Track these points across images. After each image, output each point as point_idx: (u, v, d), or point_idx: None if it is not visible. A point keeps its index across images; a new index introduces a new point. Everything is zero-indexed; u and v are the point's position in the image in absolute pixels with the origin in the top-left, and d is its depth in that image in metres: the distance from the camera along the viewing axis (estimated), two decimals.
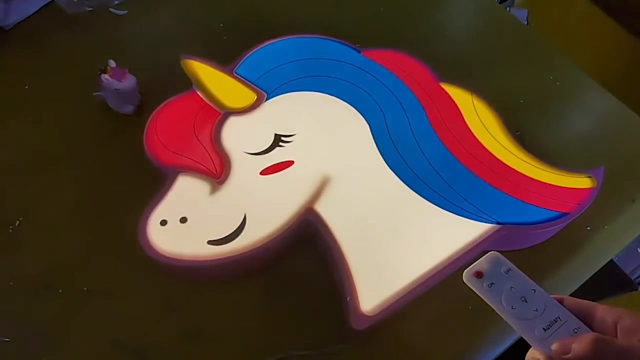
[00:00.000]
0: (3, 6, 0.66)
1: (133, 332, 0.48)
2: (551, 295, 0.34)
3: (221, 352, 0.48)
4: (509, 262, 0.36)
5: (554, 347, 0.32)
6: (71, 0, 0.69)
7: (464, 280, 0.35)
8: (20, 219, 0.53)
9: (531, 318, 0.33)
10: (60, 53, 0.66)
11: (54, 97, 0.61)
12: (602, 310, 0.33)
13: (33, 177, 0.56)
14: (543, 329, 0.32)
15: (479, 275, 0.35)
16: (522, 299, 0.34)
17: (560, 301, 0.34)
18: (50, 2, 0.69)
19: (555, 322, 0.33)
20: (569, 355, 0.31)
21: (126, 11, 0.69)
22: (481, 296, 0.34)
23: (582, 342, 0.31)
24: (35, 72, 0.64)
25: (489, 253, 0.36)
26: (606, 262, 0.56)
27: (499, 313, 0.34)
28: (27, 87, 0.62)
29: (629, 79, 0.90)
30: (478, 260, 0.36)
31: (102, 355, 0.47)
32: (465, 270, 0.35)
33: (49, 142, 0.58)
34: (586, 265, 0.55)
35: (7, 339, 0.47)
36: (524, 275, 0.35)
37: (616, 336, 0.31)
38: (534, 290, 0.34)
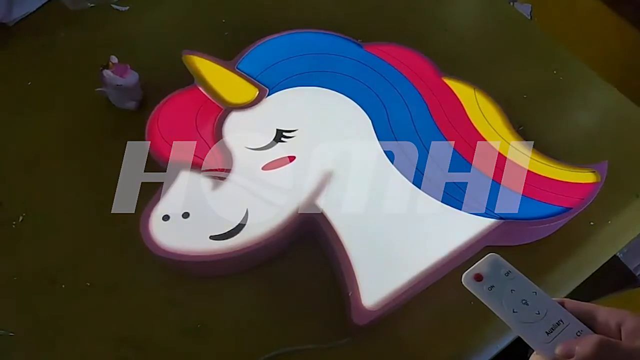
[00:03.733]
0: (6, 3, 0.66)
1: (135, 326, 0.48)
2: (552, 299, 0.34)
3: (223, 347, 0.48)
4: (508, 264, 0.35)
5: (557, 350, 0.31)
6: None
7: (463, 283, 0.34)
8: (24, 214, 0.53)
9: (533, 321, 0.32)
10: (63, 49, 0.66)
11: (56, 93, 0.62)
12: (604, 313, 0.32)
13: (36, 173, 0.56)
14: (546, 332, 0.32)
15: (478, 278, 0.34)
16: (523, 301, 0.33)
17: (561, 304, 0.33)
18: None
19: (558, 325, 0.32)
20: (573, 358, 0.30)
21: (128, 7, 0.69)
22: (481, 299, 0.34)
23: (586, 345, 0.30)
24: (38, 69, 0.64)
25: (488, 255, 0.36)
26: (610, 257, 0.56)
27: (500, 316, 0.33)
28: (29, 83, 0.62)
29: (633, 74, 0.89)
30: (477, 263, 0.35)
31: (105, 349, 0.48)
32: (465, 273, 0.35)
33: (52, 138, 0.58)
34: (589, 261, 0.55)
35: (11, 333, 0.47)
36: (524, 277, 0.34)
37: (620, 339, 0.31)
38: (535, 292, 0.34)
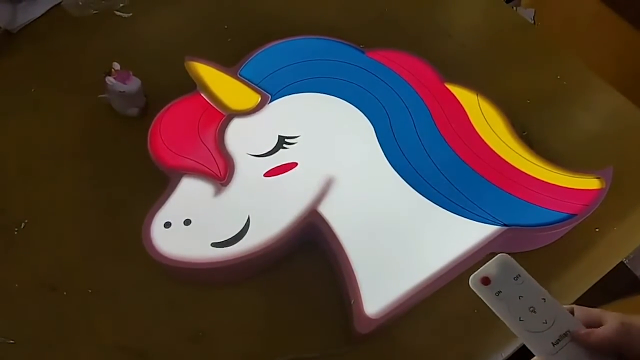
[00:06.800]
0: (9, 9, 0.67)
1: (137, 334, 0.48)
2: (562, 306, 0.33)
3: (225, 355, 0.48)
4: (519, 266, 0.34)
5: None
6: (77, 3, 0.69)
7: (470, 286, 0.33)
8: (26, 221, 0.53)
9: (540, 331, 0.32)
10: (66, 56, 0.66)
11: (59, 100, 0.62)
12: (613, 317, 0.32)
13: (39, 180, 0.56)
14: (552, 343, 0.31)
15: (486, 281, 0.33)
16: (531, 309, 0.32)
17: (570, 311, 0.33)
18: (56, 5, 0.69)
19: (565, 336, 0.31)
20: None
21: (131, 13, 0.70)
22: (487, 304, 0.33)
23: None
24: (41, 75, 0.64)
25: (498, 255, 0.34)
26: (615, 264, 0.55)
27: (505, 323, 0.32)
28: (33, 89, 0.63)
29: (638, 78, 0.89)
30: (486, 264, 0.34)
31: (106, 357, 0.47)
32: (472, 275, 0.34)
33: (54, 144, 0.59)
34: (595, 268, 0.55)
35: (11, 341, 0.47)
36: (534, 281, 0.33)
37: None
38: (544, 299, 0.33)
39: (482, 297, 0.33)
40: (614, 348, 0.30)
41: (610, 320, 0.31)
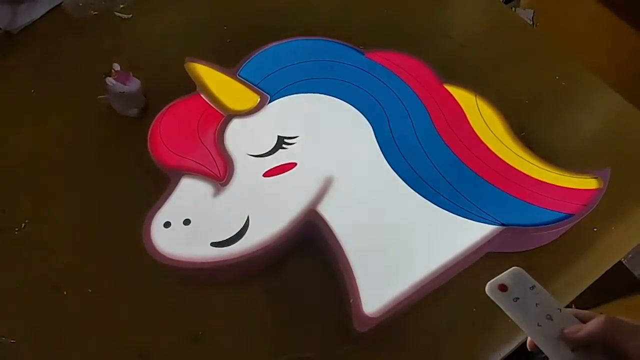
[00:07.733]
0: (10, 10, 0.67)
1: (137, 333, 0.48)
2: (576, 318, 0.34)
3: (224, 354, 0.48)
4: (532, 278, 0.35)
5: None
6: (77, 4, 0.70)
7: (487, 292, 0.34)
8: (26, 221, 0.54)
9: (558, 337, 0.32)
10: (66, 57, 0.66)
11: (59, 101, 0.62)
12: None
13: (39, 180, 0.56)
14: (571, 350, 0.32)
15: (503, 288, 0.34)
16: (548, 317, 0.33)
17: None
18: (57, 6, 0.69)
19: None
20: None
21: (131, 14, 0.70)
22: (504, 309, 0.34)
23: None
24: (41, 76, 0.64)
25: (512, 268, 0.36)
26: (613, 264, 0.55)
27: (522, 328, 0.33)
28: (33, 90, 0.63)
29: (636, 79, 0.89)
30: (501, 274, 0.35)
31: (106, 356, 0.48)
32: (489, 283, 0.35)
33: (55, 145, 0.59)
34: (593, 268, 0.55)
35: (12, 340, 0.47)
36: (548, 293, 0.35)
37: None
38: (560, 309, 0.34)
39: (498, 303, 0.34)
40: (600, 341, 0.31)
41: (598, 316, 0.32)
